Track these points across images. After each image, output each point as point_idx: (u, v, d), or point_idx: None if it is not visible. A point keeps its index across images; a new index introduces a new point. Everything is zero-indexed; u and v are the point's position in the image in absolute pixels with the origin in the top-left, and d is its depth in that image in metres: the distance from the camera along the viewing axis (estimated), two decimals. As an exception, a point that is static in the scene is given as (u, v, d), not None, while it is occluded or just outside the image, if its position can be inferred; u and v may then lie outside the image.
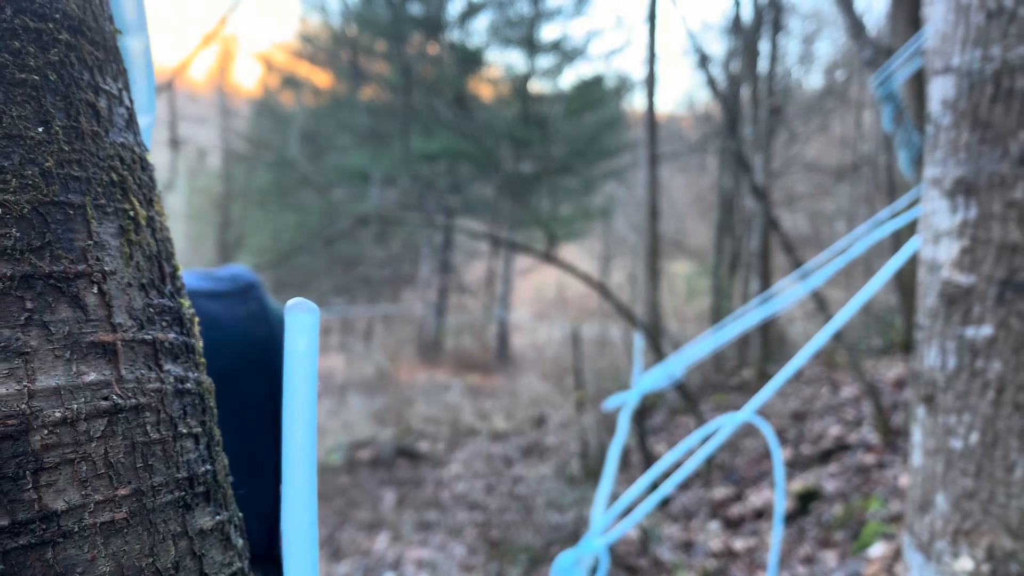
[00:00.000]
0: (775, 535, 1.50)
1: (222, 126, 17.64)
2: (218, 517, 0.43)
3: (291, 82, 18.78)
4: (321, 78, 18.58)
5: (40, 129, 0.38)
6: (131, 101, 0.46)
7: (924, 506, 1.09)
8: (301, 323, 0.41)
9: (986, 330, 0.99)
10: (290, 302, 0.42)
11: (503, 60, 18.97)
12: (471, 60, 16.86)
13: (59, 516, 0.35)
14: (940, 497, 1.06)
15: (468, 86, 16.73)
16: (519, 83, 17.18)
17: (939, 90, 1.07)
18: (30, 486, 0.34)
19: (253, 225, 18.58)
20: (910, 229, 1.08)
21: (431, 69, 16.05)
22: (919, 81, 3.66)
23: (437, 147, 14.75)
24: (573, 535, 5.61)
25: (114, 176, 0.41)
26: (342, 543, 6.35)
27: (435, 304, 18.30)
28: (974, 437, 1.01)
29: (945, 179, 1.05)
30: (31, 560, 0.34)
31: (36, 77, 0.39)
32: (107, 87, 0.43)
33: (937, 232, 1.06)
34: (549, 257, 7.34)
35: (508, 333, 18.11)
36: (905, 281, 6.09)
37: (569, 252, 17.91)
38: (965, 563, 1.04)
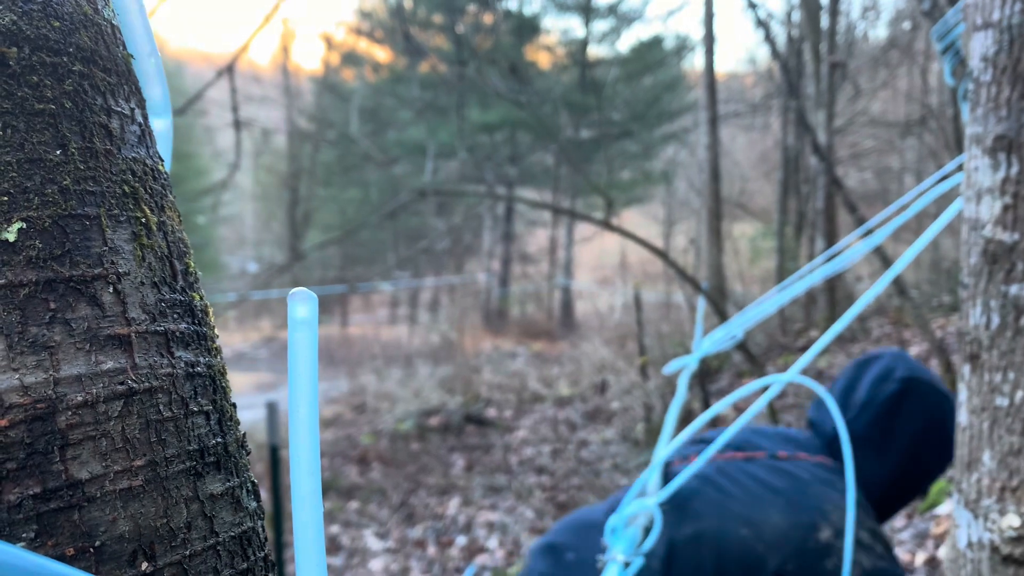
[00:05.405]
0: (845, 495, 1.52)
1: (286, 105, 17.92)
2: (228, 483, 0.49)
3: (351, 59, 18.96)
4: (380, 54, 18.72)
5: (58, 152, 0.44)
6: (144, 117, 0.52)
7: (971, 464, 1.10)
8: (300, 306, 0.46)
9: (1029, 287, 1.00)
10: (291, 293, 0.47)
11: (559, 26, 18.83)
12: (527, 28, 16.77)
13: (83, 484, 0.41)
14: (986, 455, 1.07)
15: (524, 54, 16.65)
16: (576, 49, 17.04)
17: (979, 45, 1.07)
18: (58, 459, 0.41)
19: (319, 202, 18.91)
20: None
21: (487, 39, 16.02)
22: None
23: (495, 118, 14.76)
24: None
25: (126, 188, 0.47)
26: (415, 508, 6.50)
27: (498, 274, 18.42)
28: (1019, 394, 1.02)
29: (986, 136, 1.05)
30: (60, 521, 0.41)
31: (53, 106, 0.44)
32: (119, 108, 0.49)
33: (979, 190, 1.07)
34: (609, 225, 7.32)
35: (571, 300, 18.12)
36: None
37: (631, 217, 17.80)
38: (1012, 520, 1.05)
